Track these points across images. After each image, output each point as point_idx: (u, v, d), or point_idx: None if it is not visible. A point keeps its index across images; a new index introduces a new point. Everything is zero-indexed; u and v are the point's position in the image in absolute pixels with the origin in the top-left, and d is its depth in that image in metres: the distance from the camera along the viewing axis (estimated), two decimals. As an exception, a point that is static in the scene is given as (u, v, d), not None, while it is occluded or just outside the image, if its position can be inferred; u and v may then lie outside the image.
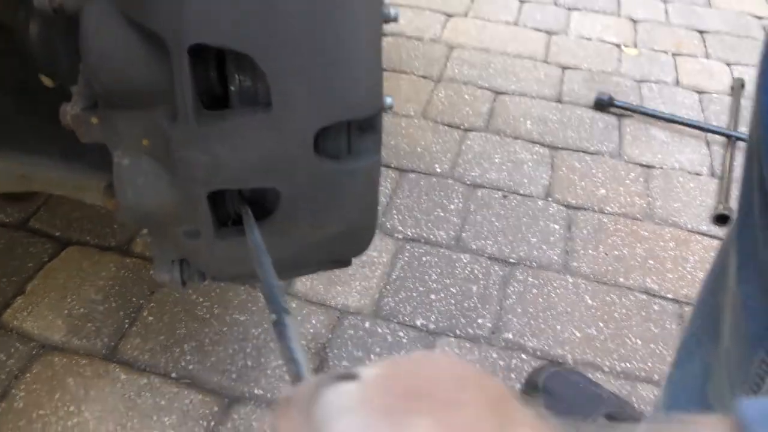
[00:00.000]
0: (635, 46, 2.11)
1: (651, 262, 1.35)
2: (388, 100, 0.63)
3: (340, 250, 0.67)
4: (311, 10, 0.47)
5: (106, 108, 0.54)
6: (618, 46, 2.10)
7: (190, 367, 1.10)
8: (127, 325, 1.16)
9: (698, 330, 0.69)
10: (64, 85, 0.62)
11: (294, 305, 1.21)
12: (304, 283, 1.25)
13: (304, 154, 0.52)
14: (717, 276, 0.64)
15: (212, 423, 1.02)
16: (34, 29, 0.60)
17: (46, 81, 0.75)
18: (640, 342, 1.19)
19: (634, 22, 2.25)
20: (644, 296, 1.28)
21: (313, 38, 0.48)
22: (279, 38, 0.47)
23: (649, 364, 1.16)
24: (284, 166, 0.53)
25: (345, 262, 0.73)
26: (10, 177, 0.77)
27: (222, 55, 0.52)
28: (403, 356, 0.30)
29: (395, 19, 0.58)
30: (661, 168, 1.61)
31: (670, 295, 1.29)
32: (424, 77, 1.88)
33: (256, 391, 1.07)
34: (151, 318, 1.17)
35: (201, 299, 1.21)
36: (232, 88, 0.52)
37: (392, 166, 1.55)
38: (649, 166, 1.61)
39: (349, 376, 0.27)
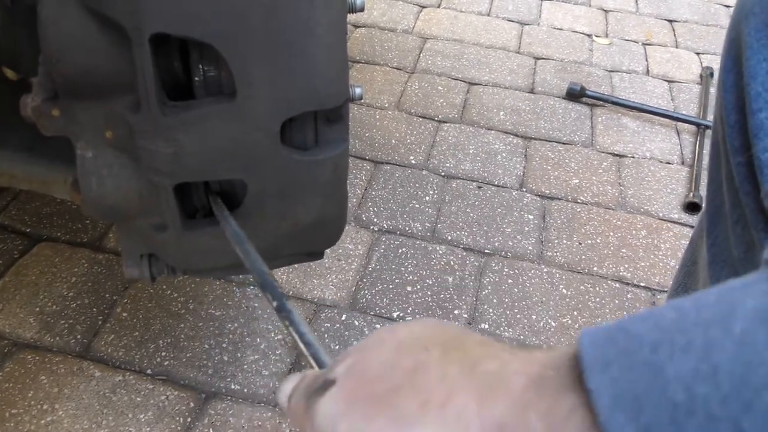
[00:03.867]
0: (606, 36, 2.13)
1: (624, 250, 1.37)
2: (358, 91, 0.63)
3: (311, 242, 0.67)
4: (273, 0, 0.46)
5: (68, 99, 0.53)
6: (589, 36, 2.12)
7: (166, 363, 1.09)
8: (100, 322, 1.14)
9: None
10: (26, 77, 0.61)
11: (270, 299, 1.20)
12: (279, 277, 1.24)
13: (271, 144, 0.52)
14: (688, 270, 0.65)
15: (189, 419, 1.02)
16: (-7, 20, 0.59)
17: (9, 74, 0.73)
18: (613, 329, 1.21)
19: (605, 12, 2.27)
20: (617, 284, 1.30)
21: (275, 28, 0.47)
22: (241, 27, 0.46)
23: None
24: (250, 157, 0.53)
25: (318, 255, 0.72)
26: (-26, 173, 0.75)
27: (186, 45, 0.51)
28: (365, 339, 0.32)
29: (361, 9, 0.57)
30: (633, 157, 1.63)
31: (642, 283, 1.30)
32: (397, 69, 1.88)
33: (232, 386, 1.06)
34: (125, 314, 1.16)
35: (175, 294, 1.20)
36: (196, 78, 0.51)
37: (367, 158, 1.55)
38: (620, 155, 1.63)
39: (328, 384, 0.30)
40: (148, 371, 1.07)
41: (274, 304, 0.41)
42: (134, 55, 0.47)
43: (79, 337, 1.12)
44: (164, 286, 1.21)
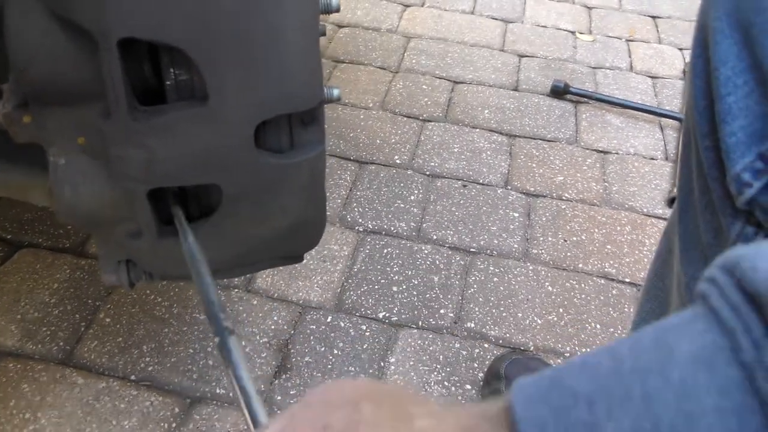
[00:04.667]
0: (590, 32, 2.14)
1: (609, 246, 1.37)
2: (335, 92, 0.62)
3: (290, 246, 0.67)
4: (243, 2, 0.46)
5: (38, 106, 0.52)
6: (573, 33, 2.13)
7: (150, 368, 1.08)
8: (83, 328, 1.13)
9: (648, 314, 0.70)
10: (-3, 83, 0.60)
11: (255, 302, 1.20)
12: (264, 279, 1.24)
13: (245, 148, 0.52)
14: (663, 259, 0.65)
15: (173, 425, 1.01)
16: (-38, 27, 0.58)
17: (-18, 80, 0.72)
18: (599, 326, 1.21)
19: (589, 8, 2.27)
20: (603, 281, 1.30)
21: (245, 30, 0.47)
22: (210, 31, 0.46)
23: (609, 346, 1.17)
24: (224, 161, 0.52)
25: (297, 258, 0.72)
26: (-52, 180, 0.74)
27: (156, 48, 0.50)
28: (300, 401, 0.31)
29: (337, 10, 0.57)
30: (617, 153, 1.63)
31: (627, 279, 1.31)
32: (381, 68, 1.87)
33: (218, 391, 1.06)
34: (108, 320, 1.15)
35: (159, 299, 1.19)
36: (168, 82, 0.51)
37: (351, 158, 1.55)
38: (605, 152, 1.64)
39: None
40: (132, 377, 1.07)
41: (216, 339, 0.38)
42: (102, 60, 0.46)
43: (61, 344, 1.11)
44: (148, 291, 1.20)
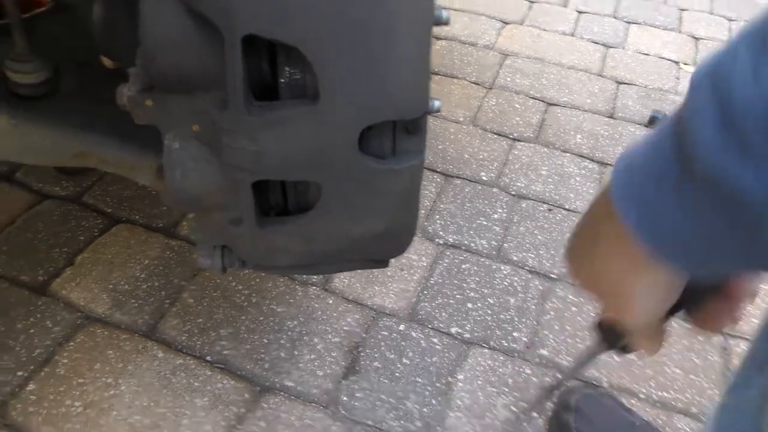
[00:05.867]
0: (695, 63, 2.06)
1: (696, 287, 1.32)
2: (436, 104, 0.63)
3: (378, 250, 0.68)
4: (362, 8, 0.47)
5: (161, 91, 0.55)
6: (677, 63, 2.05)
7: (225, 352, 1.12)
8: (167, 305, 1.19)
9: (760, 355, 0.66)
10: (123, 66, 0.64)
11: (330, 301, 1.22)
12: (342, 280, 1.26)
13: (349, 150, 0.53)
14: None
15: (242, 409, 1.04)
16: (97, 11, 0.62)
17: (107, 62, 0.77)
18: (679, 371, 1.16)
19: (696, 39, 2.19)
20: (688, 325, 1.24)
21: (362, 36, 0.48)
22: (328, 33, 0.48)
23: (688, 395, 1.12)
24: (328, 161, 0.54)
25: (383, 262, 0.73)
26: (68, 153, 0.80)
27: (273, 47, 0.53)
28: None
29: (446, 22, 0.58)
30: (715, 192, 1.56)
31: (714, 323, 1.25)
32: (475, 83, 1.87)
33: (286, 383, 1.08)
34: (191, 300, 1.20)
35: (240, 286, 1.23)
36: (282, 79, 0.53)
37: (438, 170, 1.55)
38: (702, 190, 1.57)
39: None
40: (208, 358, 1.11)
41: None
42: (226, 54, 0.49)
43: (146, 317, 1.16)
44: (230, 278, 1.25)
